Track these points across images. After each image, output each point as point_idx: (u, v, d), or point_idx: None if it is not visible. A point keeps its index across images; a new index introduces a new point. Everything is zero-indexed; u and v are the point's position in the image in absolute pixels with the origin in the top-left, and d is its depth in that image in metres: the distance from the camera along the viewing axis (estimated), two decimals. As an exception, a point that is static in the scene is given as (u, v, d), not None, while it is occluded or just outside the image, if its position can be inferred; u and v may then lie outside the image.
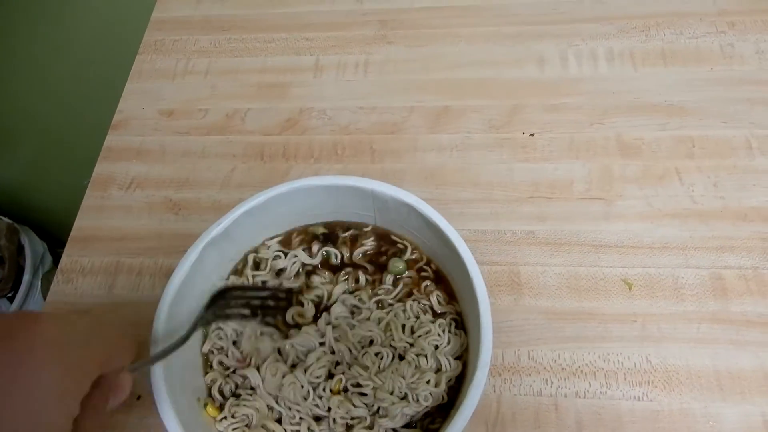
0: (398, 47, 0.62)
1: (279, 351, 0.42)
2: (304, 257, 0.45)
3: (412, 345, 0.41)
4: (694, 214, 0.49)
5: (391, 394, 0.39)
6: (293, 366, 0.41)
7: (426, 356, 0.40)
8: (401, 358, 0.41)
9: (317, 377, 0.40)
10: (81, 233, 0.54)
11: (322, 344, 0.41)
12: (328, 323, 0.42)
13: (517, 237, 0.49)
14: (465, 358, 0.40)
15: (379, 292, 0.43)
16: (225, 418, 0.40)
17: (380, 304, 0.43)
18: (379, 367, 0.40)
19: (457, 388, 0.39)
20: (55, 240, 1.34)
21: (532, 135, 0.54)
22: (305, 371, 0.40)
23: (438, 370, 0.40)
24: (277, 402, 0.40)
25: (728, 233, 0.48)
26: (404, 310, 0.42)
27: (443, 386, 0.39)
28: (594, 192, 0.51)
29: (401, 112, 0.58)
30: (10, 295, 1.24)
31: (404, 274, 0.44)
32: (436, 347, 0.40)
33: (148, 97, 0.62)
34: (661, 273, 0.47)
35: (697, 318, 0.45)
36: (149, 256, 0.52)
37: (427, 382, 0.39)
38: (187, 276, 0.39)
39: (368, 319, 0.42)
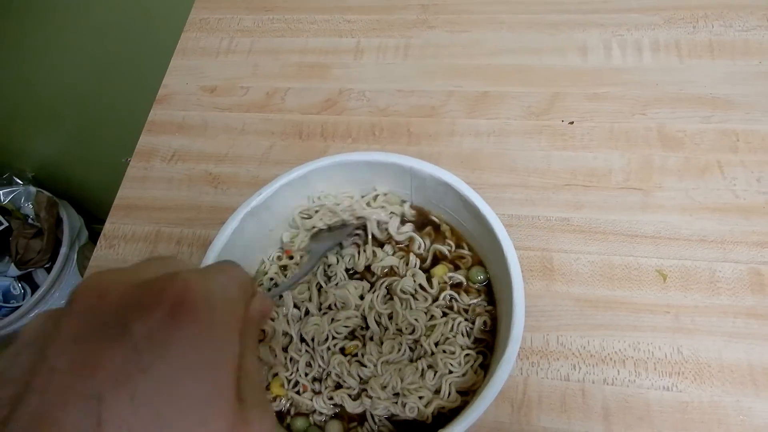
0: (439, 32, 0.62)
1: (319, 289, 0.43)
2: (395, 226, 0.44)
3: (432, 354, 0.39)
4: (735, 209, 0.48)
5: (384, 388, 0.38)
6: (328, 308, 0.42)
7: (435, 372, 0.38)
8: (415, 358, 0.40)
9: (338, 333, 0.41)
10: (124, 202, 0.56)
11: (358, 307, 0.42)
12: (387, 296, 0.42)
13: (551, 223, 0.49)
14: (469, 397, 0.38)
15: (462, 293, 0.42)
16: None
17: (451, 307, 0.42)
18: (388, 359, 0.39)
19: (449, 417, 0.37)
20: (92, 216, 1.38)
21: (572, 123, 0.54)
22: (331, 321, 0.41)
23: (437, 391, 0.38)
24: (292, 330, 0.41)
25: (770, 229, 0.47)
26: (448, 324, 0.40)
27: (431, 409, 0.37)
28: (632, 182, 0.50)
29: (440, 96, 0.58)
30: (48, 266, 1.29)
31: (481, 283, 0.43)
32: (450, 371, 0.39)
33: (191, 74, 0.64)
34: (698, 266, 0.46)
35: (733, 312, 0.44)
36: (188, 227, 0.54)
37: (420, 398, 0.37)
38: (227, 243, 0.40)
39: (425, 310, 0.41)
